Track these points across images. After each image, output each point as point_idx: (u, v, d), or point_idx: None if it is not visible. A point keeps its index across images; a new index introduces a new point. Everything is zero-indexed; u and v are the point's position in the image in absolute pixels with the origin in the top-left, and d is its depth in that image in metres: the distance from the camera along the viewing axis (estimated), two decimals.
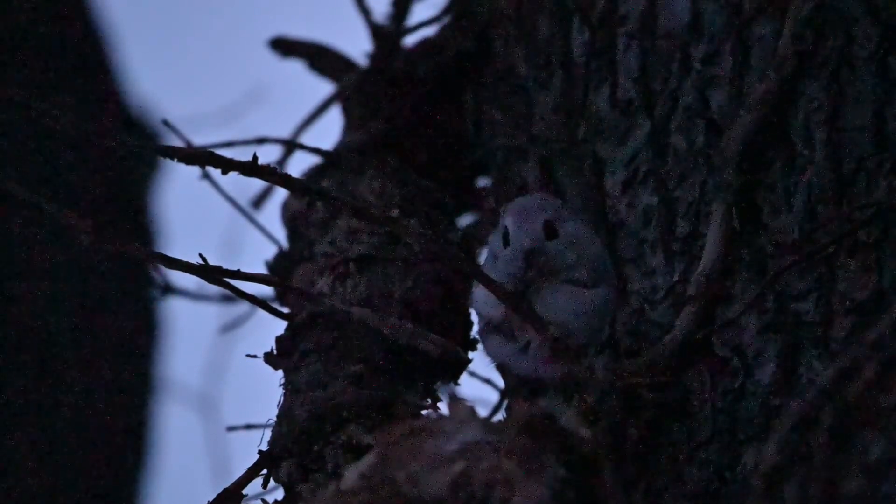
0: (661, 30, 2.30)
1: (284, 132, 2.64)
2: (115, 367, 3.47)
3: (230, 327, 2.67)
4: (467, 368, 2.27)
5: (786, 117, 2.16)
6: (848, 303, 2.06)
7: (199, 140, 2.42)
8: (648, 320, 2.19)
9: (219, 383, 3.46)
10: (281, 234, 2.53)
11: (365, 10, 2.64)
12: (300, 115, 2.68)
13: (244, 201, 2.60)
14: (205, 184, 2.48)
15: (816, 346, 2.06)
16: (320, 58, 2.69)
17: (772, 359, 2.07)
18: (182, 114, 2.58)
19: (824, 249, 2.08)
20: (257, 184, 2.47)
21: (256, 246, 2.56)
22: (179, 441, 3.56)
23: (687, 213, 2.21)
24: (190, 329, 3.40)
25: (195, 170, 2.33)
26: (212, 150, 1.97)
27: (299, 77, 2.71)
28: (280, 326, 2.27)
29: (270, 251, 2.53)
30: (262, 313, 2.27)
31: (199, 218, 3.05)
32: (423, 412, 2.14)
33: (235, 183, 2.69)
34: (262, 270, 2.50)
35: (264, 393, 2.23)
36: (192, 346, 3.44)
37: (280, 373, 2.24)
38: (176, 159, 1.93)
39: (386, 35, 2.63)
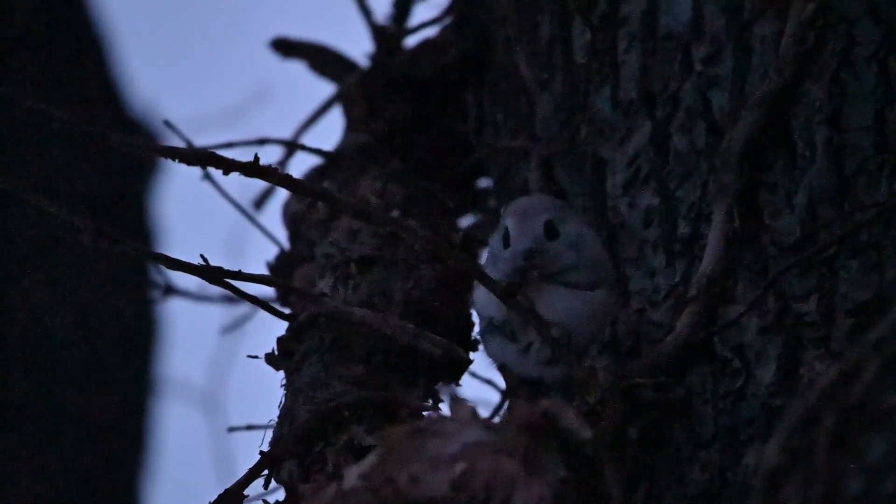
0: (663, 31, 2.30)
1: (286, 133, 2.65)
2: (116, 367, 3.47)
3: (232, 328, 2.67)
4: (468, 369, 2.27)
5: (787, 118, 2.16)
6: (849, 303, 2.06)
7: (201, 141, 2.42)
8: (650, 321, 2.19)
9: (220, 384, 3.47)
10: (282, 234, 2.53)
11: (366, 11, 2.64)
12: (301, 116, 2.69)
13: (245, 202, 2.61)
14: (206, 184, 2.49)
15: (818, 346, 2.06)
16: (321, 58, 2.69)
17: (773, 359, 2.07)
18: (183, 114, 2.58)
19: (825, 250, 2.08)
20: (259, 184, 2.47)
21: (258, 247, 2.56)
22: (181, 441, 3.56)
23: (688, 213, 2.21)
24: (191, 330, 3.40)
25: (196, 170, 2.33)
26: (213, 150, 1.97)
27: (300, 78, 2.71)
28: (281, 327, 2.27)
29: (272, 252, 2.53)
30: (263, 314, 2.27)
31: (200, 219, 3.06)
32: (425, 413, 2.14)
33: (237, 184, 2.70)
34: (264, 271, 2.50)
35: (266, 393, 2.23)
36: (194, 346, 3.45)
37: (281, 373, 2.24)
38: (177, 160, 1.93)
39: (387, 36, 2.64)
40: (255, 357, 2.24)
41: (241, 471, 2.12)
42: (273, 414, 2.19)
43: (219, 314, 2.74)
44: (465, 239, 2.43)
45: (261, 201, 2.64)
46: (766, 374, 2.07)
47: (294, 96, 2.80)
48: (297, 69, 2.71)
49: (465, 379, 2.26)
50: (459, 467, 1.80)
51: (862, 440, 1.73)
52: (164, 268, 2.08)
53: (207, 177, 2.47)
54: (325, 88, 2.70)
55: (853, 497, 1.71)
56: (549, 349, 2.06)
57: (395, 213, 2.34)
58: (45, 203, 2.02)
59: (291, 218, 2.50)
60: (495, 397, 2.41)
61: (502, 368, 2.26)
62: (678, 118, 2.25)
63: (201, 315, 2.84)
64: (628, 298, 2.21)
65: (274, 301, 2.41)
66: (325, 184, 2.46)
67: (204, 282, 2.10)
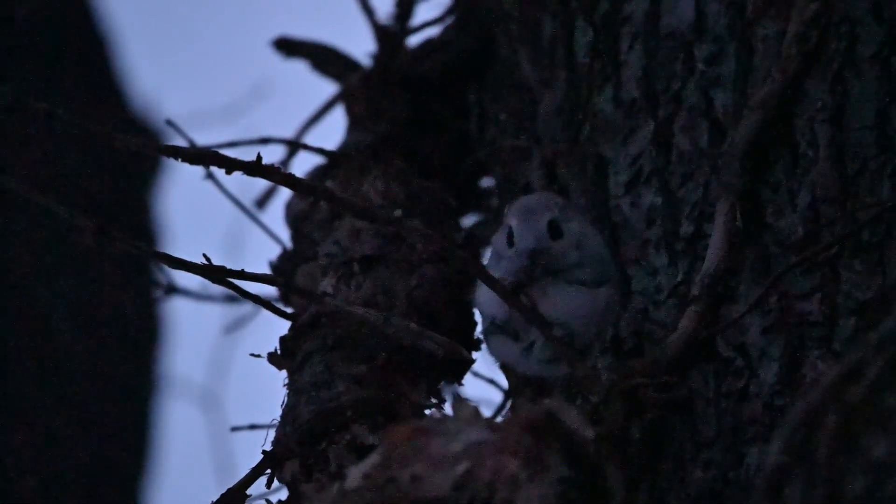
0: (665, 30, 2.30)
1: (288, 132, 2.65)
2: (118, 366, 3.47)
3: (234, 327, 2.67)
4: (471, 368, 2.27)
5: (789, 117, 2.16)
6: (852, 303, 2.06)
7: (203, 140, 2.42)
8: (652, 320, 2.19)
9: (222, 383, 3.46)
10: (285, 234, 2.53)
11: (369, 11, 2.64)
12: (304, 116, 2.69)
13: (248, 201, 2.61)
14: (208, 183, 2.49)
15: (820, 346, 2.06)
16: (324, 58, 2.69)
17: (776, 359, 2.07)
18: (185, 114, 2.58)
19: (828, 249, 2.08)
20: (261, 184, 2.46)
21: (260, 246, 2.56)
22: (182, 441, 3.56)
23: (691, 212, 2.21)
24: (194, 329, 3.40)
25: (199, 169, 2.34)
26: (216, 149, 1.97)
27: (303, 77, 2.71)
28: (284, 326, 2.27)
29: (274, 251, 2.53)
30: (265, 313, 2.27)
31: (202, 218, 3.06)
32: (427, 412, 2.14)
33: (239, 183, 2.70)
34: (266, 270, 2.50)
35: (268, 393, 2.23)
36: (196, 345, 3.45)
37: (284, 373, 2.24)
38: (180, 159, 1.93)
39: (390, 35, 2.64)
40: (258, 356, 2.24)
41: (242, 471, 2.12)
42: (274, 414, 2.19)
43: (221, 313, 2.75)
44: (469, 238, 2.43)
45: (263, 200, 2.64)
46: (769, 373, 2.07)
47: (296, 96, 2.80)
48: (300, 68, 2.71)
49: (468, 378, 2.26)
50: (462, 467, 1.80)
51: (864, 440, 1.73)
52: (166, 267, 2.08)
53: (210, 176, 2.47)
54: (328, 88, 2.70)
55: (856, 497, 1.71)
56: (551, 348, 2.06)
57: (398, 213, 2.34)
58: (47, 202, 2.02)
59: (294, 217, 2.50)
60: (498, 397, 2.42)
61: (505, 368, 2.26)
62: (680, 117, 2.26)
63: (203, 314, 2.84)
64: (631, 297, 2.21)
65: (276, 300, 2.41)
66: (328, 183, 2.46)
67: (206, 281, 2.10)
